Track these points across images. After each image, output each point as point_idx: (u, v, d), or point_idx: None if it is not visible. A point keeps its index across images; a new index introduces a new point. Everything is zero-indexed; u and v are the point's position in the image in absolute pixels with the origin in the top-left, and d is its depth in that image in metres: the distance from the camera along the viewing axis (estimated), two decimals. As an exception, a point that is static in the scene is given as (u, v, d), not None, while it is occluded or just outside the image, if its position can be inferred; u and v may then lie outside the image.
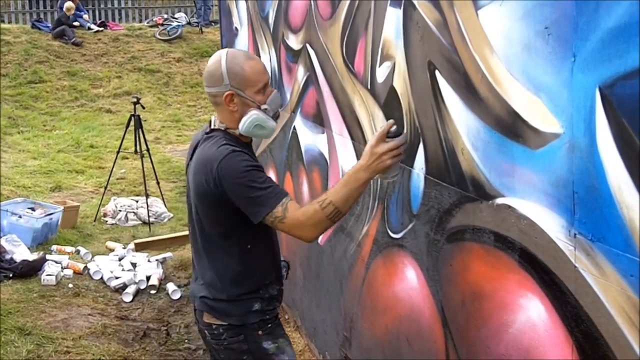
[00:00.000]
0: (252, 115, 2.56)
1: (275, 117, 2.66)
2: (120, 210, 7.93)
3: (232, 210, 2.51)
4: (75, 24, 16.95)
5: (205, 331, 2.74)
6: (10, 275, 5.67)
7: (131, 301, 5.53)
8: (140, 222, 7.84)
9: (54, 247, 6.61)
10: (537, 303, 2.09)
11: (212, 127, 2.67)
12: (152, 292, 5.72)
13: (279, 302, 2.83)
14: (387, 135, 2.44)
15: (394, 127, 2.45)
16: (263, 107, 2.60)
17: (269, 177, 2.52)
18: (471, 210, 2.42)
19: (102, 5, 20.26)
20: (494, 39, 2.19)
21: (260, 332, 2.68)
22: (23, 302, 5.25)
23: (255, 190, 2.44)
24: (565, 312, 1.96)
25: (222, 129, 2.64)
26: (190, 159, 2.71)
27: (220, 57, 2.59)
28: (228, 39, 6.40)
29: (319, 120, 4.04)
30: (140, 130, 7.97)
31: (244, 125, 2.57)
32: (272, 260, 2.78)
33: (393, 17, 2.92)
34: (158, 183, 8.27)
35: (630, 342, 1.71)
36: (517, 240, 2.16)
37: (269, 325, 2.71)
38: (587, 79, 1.77)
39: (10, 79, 14.70)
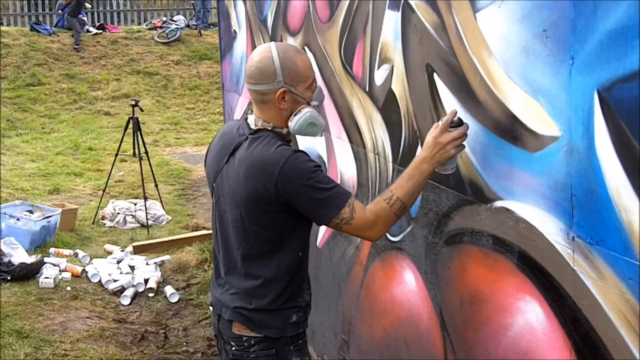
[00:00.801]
0: (307, 113, 2.42)
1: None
2: (118, 213, 7.92)
3: (289, 215, 2.38)
4: (84, 19, 17.08)
5: (232, 342, 2.54)
6: (8, 278, 5.67)
7: (129, 304, 5.53)
8: (139, 224, 7.83)
9: (52, 249, 6.60)
10: (536, 306, 2.09)
11: (255, 126, 2.47)
12: (150, 295, 5.71)
13: (309, 310, 2.67)
14: (450, 125, 2.30)
15: (457, 117, 2.32)
16: (313, 103, 2.47)
17: (330, 177, 2.39)
18: (469, 213, 2.42)
19: (100, 8, 20.27)
20: (492, 41, 2.19)
21: (292, 347, 2.53)
22: (21, 305, 5.24)
23: (322, 191, 2.30)
24: (564, 315, 1.95)
25: (269, 128, 2.45)
26: (227, 161, 2.51)
27: (270, 52, 2.40)
28: (227, 41, 6.40)
29: (318, 123, 4.03)
30: (138, 132, 7.96)
31: (296, 123, 2.41)
32: (307, 265, 2.64)
33: (391, 20, 2.92)
34: (156, 186, 8.27)
35: (629, 345, 1.71)
36: (516, 243, 2.16)
37: (300, 342, 2.58)
38: (585, 81, 1.77)
39: (9, 82, 14.70)
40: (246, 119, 2.53)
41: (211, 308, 2.76)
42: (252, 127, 2.48)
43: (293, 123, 2.42)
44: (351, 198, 2.32)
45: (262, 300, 2.49)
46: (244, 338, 2.51)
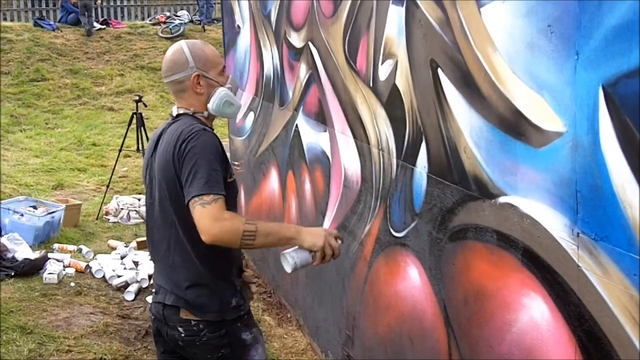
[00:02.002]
0: (222, 91, 2.61)
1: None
2: (122, 209, 7.92)
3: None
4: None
5: (180, 328, 2.61)
6: (12, 273, 5.67)
7: (133, 300, 5.52)
8: (143, 220, 7.83)
9: (56, 245, 6.60)
10: (540, 302, 2.08)
11: (177, 114, 2.65)
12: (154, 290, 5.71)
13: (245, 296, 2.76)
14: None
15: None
16: (227, 85, 2.65)
17: (218, 169, 2.45)
18: (474, 209, 2.42)
19: (104, 3, 20.26)
20: (497, 36, 2.18)
21: (239, 324, 2.64)
22: (25, 301, 5.25)
23: (203, 171, 2.40)
24: (568, 311, 1.95)
25: (190, 113, 2.64)
26: (154, 150, 2.66)
27: (180, 46, 2.65)
28: (230, 37, 6.40)
29: (321, 118, 4.03)
30: (142, 128, 7.96)
31: (213, 103, 2.61)
32: (237, 252, 2.71)
33: (395, 15, 2.91)
34: (160, 181, 8.26)
35: (633, 341, 1.70)
36: (520, 239, 2.15)
37: (246, 317, 2.69)
38: (590, 77, 1.76)
39: (13, 77, 14.70)
40: (170, 114, 2.72)
41: (152, 297, 2.84)
42: (174, 115, 2.67)
43: (211, 103, 2.62)
44: (221, 195, 2.39)
45: (194, 282, 2.59)
46: (193, 322, 2.59)
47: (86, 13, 16.63)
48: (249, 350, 2.67)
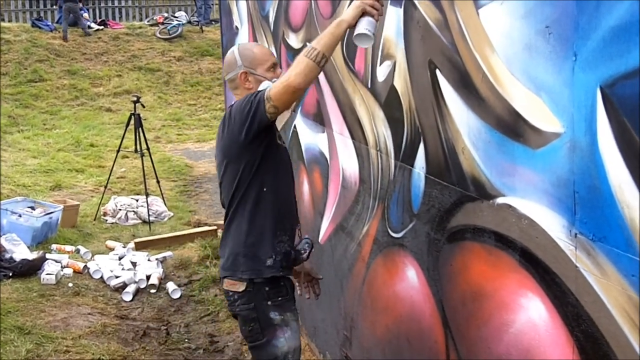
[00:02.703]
0: (266, 83, 2.83)
1: None
2: (120, 209, 7.93)
3: (246, 144, 2.75)
4: (85, 15, 17.11)
5: (226, 297, 2.96)
6: (10, 274, 5.67)
7: (131, 300, 5.53)
8: (140, 221, 7.83)
9: (54, 246, 6.60)
10: (538, 303, 2.08)
11: None
12: (152, 291, 5.71)
13: (289, 266, 2.94)
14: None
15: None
16: (273, 79, 2.85)
17: None
18: (472, 209, 2.42)
19: (102, 4, 20.25)
20: (495, 38, 2.18)
21: (269, 303, 2.84)
22: (23, 302, 5.25)
23: (250, 104, 2.70)
24: (566, 312, 1.95)
25: None
26: (220, 138, 2.95)
27: (233, 49, 3.00)
28: (228, 37, 6.40)
29: (320, 119, 4.03)
30: (140, 129, 7.97)
31: None
32: (287, 214, 2.94)
33: (394, 16, 2.91)
34: (158, 182, 8.27)
35: (631, 342, 1.71)
36: (518, 240, 2.15)
37: (279, 299, 2.87)
38: (588, 78, 1.76)
39: (11, 78, 14.70)
40: None
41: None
42: None
43: None
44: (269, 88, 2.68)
45: (233, 249, 2.88)
46: (230, 293, 2.89)
47: (71, 16, 16.59)
48: (275, 330, 2.84)
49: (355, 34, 2.58)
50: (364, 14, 2.58)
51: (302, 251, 2.97)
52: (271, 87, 2.66)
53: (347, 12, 2.61)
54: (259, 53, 2.95)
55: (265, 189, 2.83)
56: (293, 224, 2.99)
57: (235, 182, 2.84)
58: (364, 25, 2.56)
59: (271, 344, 2.84)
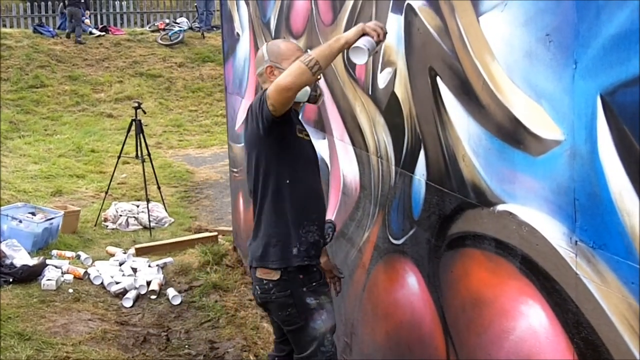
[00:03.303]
0: None
1: (313, 87, 3.00)
2: (121, 215, 7.92)
3: (265, 136, 2.88)
4: (87, 21, 17.16)
5: (257, 286, 3.06)
6: (10, 280, 5.66)
7: (131, 306, 5.52)
8: (141, 227, 7.83)
9: (54, 252, 6.59)
10: (538, 310, 2.08)
11: None
12: (153, 297, 5.71)
13: (318, 254, 3.08)
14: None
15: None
16: None
17: None
18: (472, 216, 2.42)
19: (104, 10, 20.29)
20: (495, 45, 2.19)
21: (305, 289, 2.98)
22: (23, 307, 5.24)
23: (260, 101, 2.84)
24: (567, 319, 1.95)
25: None
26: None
27: (263, 45, 3.17)
28: (230, 44, 6.41)
29: (320, 125, 4.04)
30: (141, 135, 7.97)
31: None
32: (311, 205, 3.04)
33: (394, 23, 2.92)
34: (159, 188, 8.27)
35: (632, 349, 1.71)
36: (518, 247, 2.16)
37: (314, 284, 3.01)
38: (588, 85, 1.77)
39: (12, 84, 14.71)
40: None
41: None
42: None
43: None
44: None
45: (263, 238, 3.02)
46: (265, 281, 3.01)
47: (73, 21, 16.63)
48: (312, 314, 2.99)
49: (352, 46, 2.68)
50: (364, 34, 2.70)
51: (326, 235, 3.16)
52: (270, 86, 2.78)
53: (348, 31, 2.75)
54: (284, 48, 3.06)
55: (288, 181, 2.96)
56: (321, 214, 3.11)
57: (258, 173, 3.00)
58: (362, 41, 2.67)
59: (310, 326, 3.00)
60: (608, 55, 1.69)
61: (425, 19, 2.64)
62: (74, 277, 5.92)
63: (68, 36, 16.53)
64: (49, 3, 19.50)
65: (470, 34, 2.33)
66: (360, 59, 2.69)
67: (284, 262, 2.96)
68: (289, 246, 2.96)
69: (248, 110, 2.99)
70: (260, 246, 3.03)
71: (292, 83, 2.69)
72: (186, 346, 4.90)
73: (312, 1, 3.97)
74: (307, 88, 2.94)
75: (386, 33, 2.76)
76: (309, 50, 2.87)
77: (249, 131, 3.00)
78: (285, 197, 2.96)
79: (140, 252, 6.73)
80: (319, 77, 2.84)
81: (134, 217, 7.93)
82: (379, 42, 2.71)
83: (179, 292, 5.77)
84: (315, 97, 3.09)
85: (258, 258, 3.03)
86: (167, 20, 19.13)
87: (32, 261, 5.97)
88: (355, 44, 2.67)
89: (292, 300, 2.98)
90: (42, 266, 5.90)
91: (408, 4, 2.77)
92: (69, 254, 6.58)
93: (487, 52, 2.22)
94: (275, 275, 2.98)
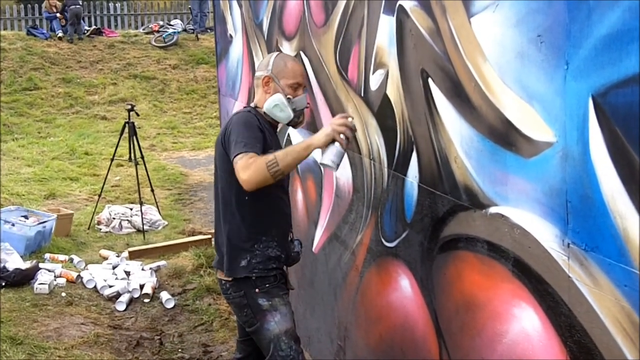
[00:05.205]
0: (277, 96, 3.05)
1: (297, 113, 3.09)
2: (114, 218, 7.90)
3: (224, 158, 2.97)
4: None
5: (220, 287, 3.21)
6: (3, 284, 5.64)
7: (124, 310, 5.50)
8: (135, 230, 7.80)
9: (47, 255, 6.57)
10: (531, 313, 2.07)
11: (246, 105, 3.06)
12: (146, 300, 5.68)
13: (280, 267, 3.15)
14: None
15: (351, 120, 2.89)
16: (288, 96, 3.06)
17: (259, 138, 2.91)
18: (465, 219, 2.41)
19: (97, 12, 20.27)
20: (487, 46, 2.18)
21: (257, 290, 3.05)
22: (15, 311, 5.21)
23: (242, 137, 2.86)
24: (559, 322, 1.94)
25: (253, 106, 3.13)
26: None
27: (273, 53, 3.25)
28: (223, 45, 6.39)
29: (313, 128, 4.02)
30: (134, 137, 7.95)
31: (267, 102, 3.05)
32: (272, 221, 3.11)
33: (386, 25, 2.91)
34: (152, 190, 8.25)
35: (624, 352, 1.70)
36: (511, 250, 2.15)
37: (267, 285, 3.07)
38: (580, 87, 1.76)
39: (5, 86, 14.69)
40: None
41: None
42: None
43: (266, 102, 3.07)
44: (251, 151, 2.81)
45: (218, 238, 3.20)
46: (223, 281, 3.15)
47: (76, 21, 16.63)
48: (265, 315, 3.05)
49: (320, 161, 2.85)
50: (333, 140, 2.81)
51: (292, 252, 3.23)
52: (239, 157, 2.80)
53: (318, 137, 2.84)
54: (290, 67, 3.10)
55: (247, 197, 2.99)
56: (282, 229, 3.17)
57: (219, 184, 3.11)
58: (329, 157, 2.82)
59: (264, 327, 3.06)
60: (600, 55, 1.68)
61: (417, 20, 2.63)
62: (67, 281, 5.90)
63: (71, 39, 16.49)
64: (43, 6, 19.45)
65: (461, 35, 2.32)
66: (330, 169, 2.93)
67: (231, 273, 3.08)
68: (237, 258, 3.07)
69: (227, 124, 3.03)
70: (216, 251, 3.23)
71: (249, 178, 2.76)
72: (179, 350, 4.88)
73: (305, 2, 3.96)
74: (290, 113, 3.06)
75: (355, 130, 2.89)
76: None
77: (218, 142, 3.06)
78: (242, 213, 3.05)
79: (133, 256, 6.71)
80: (277, 180, 2.84)
81: (127, 220, 7.90)
82: (347, 145, 2.85)
83: (173, 295, 5.76)
84: (295, 123, 3.16)
85: (216, 262, 3.22)
86: (161, 22, 19.14)
87: (25, 265, 5.95)
88: (324, 161, 2.82)
89: (246, 300, 3.07)
90: (34, 270, 5.88)
91: (400, 5, 2.76)
92: (62, 257, 6.56)
93: (479, 54, 2.21)
94: (230, 277, 3.10)
